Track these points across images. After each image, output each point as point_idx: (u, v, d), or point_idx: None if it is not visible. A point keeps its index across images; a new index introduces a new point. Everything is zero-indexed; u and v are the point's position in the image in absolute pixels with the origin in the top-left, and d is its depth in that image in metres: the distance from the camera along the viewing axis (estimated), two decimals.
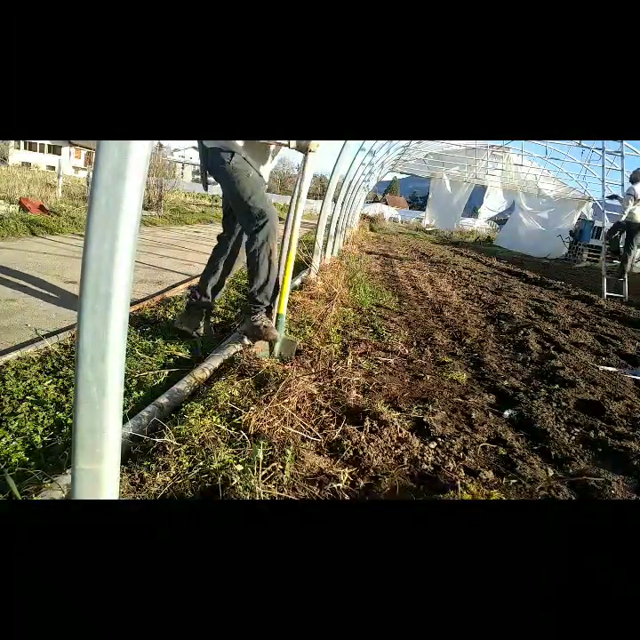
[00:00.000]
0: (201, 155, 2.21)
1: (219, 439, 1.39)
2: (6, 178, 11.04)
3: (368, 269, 6.08)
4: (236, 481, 1.18)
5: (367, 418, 1.63)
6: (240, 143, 2.11)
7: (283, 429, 1.47)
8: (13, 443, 1.33)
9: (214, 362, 2.05)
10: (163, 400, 1.63)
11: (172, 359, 2.14)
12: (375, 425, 1.60)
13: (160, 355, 2.14)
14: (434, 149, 15.04)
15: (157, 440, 1.33)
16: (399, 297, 4.45)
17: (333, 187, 4.41)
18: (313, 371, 2.00)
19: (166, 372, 1.95)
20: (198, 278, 2.56)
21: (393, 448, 1.52)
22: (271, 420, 1.50)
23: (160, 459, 1.25)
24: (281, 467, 1.29)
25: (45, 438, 1.40)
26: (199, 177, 2.38)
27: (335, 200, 5.53)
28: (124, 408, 1.47)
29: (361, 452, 1.45)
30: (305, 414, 1.64)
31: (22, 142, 34.51)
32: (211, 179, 2.28)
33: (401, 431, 1.60)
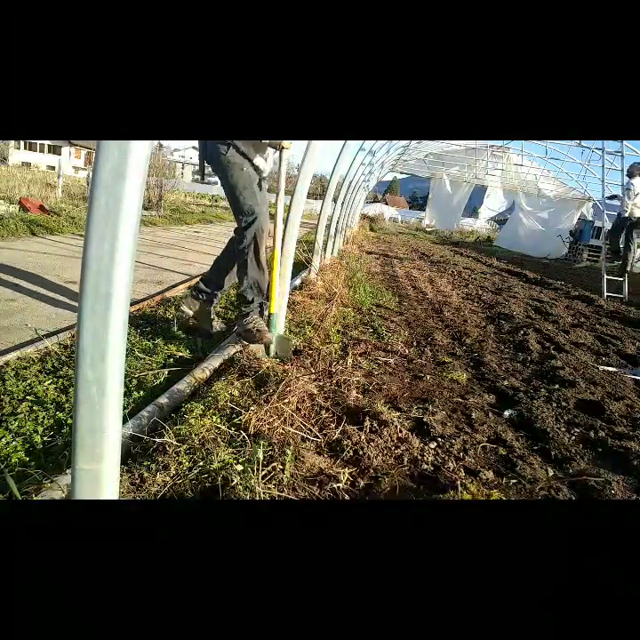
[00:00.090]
0: (200, 145, 2.22)
1: (219, 439, 1.39)
2: (6, 178, 11.04)
3: (368, 269, 6.08)
4: (236, 481, 1.18)
5: (367, 418, 1.63)
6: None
7: (283, 429, 1.47)
8: (13, 443, 1.33)
9: (214, 362, 2.05)
10: (163, 400, 1.63)
11: (171, 359, 2.14)
12: (375, 425, 1.60)
13: (160, 355, 2.14)
14: (434, 149, 15.04)
15: (157, 440, 1.33)
16: (399, 297, 4.45)
17: (333, 187, 4.41)
18: (313, 371, 2.00)
19: (166, 372, 1.95)
20: (197, 278, 2.56)
21: (393, 448, 1.52)
22: (271, 420, 1.50)
23: (160, 459, 1.25)
24: (281, 467, 1.29)
25: (45, 438, 1.40)
26: (198, 177, 2.39)
27: (335, 200, 5.53)
28: (124, 408, 1.47)
29: (361, 452, 1.45)
30: (305, 414, 1.64)
31: (22, 142, 34.51)
32: (212, 179, 2.29)
33: (401, 431, 1.60)
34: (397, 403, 1.90)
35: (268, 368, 1.91)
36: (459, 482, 1.34)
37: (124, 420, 1.28)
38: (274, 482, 1.24)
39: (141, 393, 1.76)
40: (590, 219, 15.32)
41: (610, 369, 2.75)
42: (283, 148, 2.15)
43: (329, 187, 4.37)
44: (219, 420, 1.49)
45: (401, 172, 21.04)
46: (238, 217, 2.16)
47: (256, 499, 1.14)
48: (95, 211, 0.69)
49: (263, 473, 1.24)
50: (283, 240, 2.29)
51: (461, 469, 1.44)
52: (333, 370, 2.05)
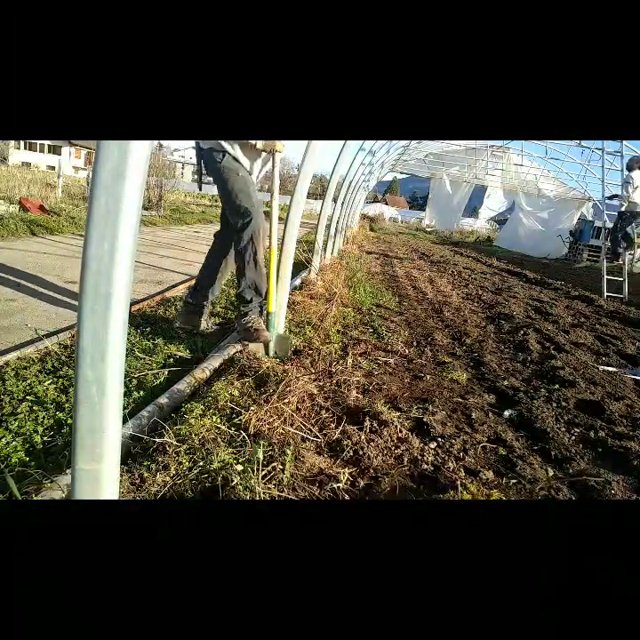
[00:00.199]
0: (197, 155, 2.29)
1: (219, 439, 1.39)
2: (6, 178, 11.04)
3: (368, 269, 6.08)
4: (236, 481, 1.18)
5: (367, 418, 1.63)
6: (231, 144, 2.17)
7: (283, 429, 1.47)
8: (13, 443, 1.33)
9: (214, 362, 2.05)
10: (163, 400, 1.63)
11: (171, 359, 2.14)
12: (375, 425, 1.60)
13: (160, 355, 2.14)
14: (434, 149, 15.03)
15: (157, 440, 1.33)
16: (399, 297, 4.45)
17: (333, 187, 4.41)
18: (313, 371, 2.00)
19: (166, 372, 1.95)
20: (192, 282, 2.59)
21: (393, 448, 1.52)
22: (271, 420, 1.50)
23: (160, 459, 1.25)
24: (281, 467, 1.29)
25: (45, 438, 1.40)
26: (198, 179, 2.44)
27: (335, 200, 5.53)
28: (124, 408, 1.47)
29: (361, 452, 1.45)
30: (305, 414, 1.64)
31: (22, 142, 34.52)
32: (208, 179, 2.33)
33: (401, 431, 1.60)
34: (397, 403, 1.89)
35: (267, 368, 1.91)
36: (459, 482, 1.34)
37: (124, 420, 1.28)
38: (274, 482, 1.24)
39: (141, 393, 1.76)
40: (590, 219, 15.31)
41: (610, 369, 2.75)
42: (275, 150, 2.20)
43: (329, 187, 4.37)
44: (219, 420, 1.49)
45: (401, 172, 21.03)
46: (235, 219, 2.21)
47: (256, 499, 1.14)
48: (95, 211, 0.69)
49: (263, 473, 1.24)
50: (282, 240, 2.29)
51: (461, 469, 1.44)
52: (333, 370, 2.05)
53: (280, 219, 2.24)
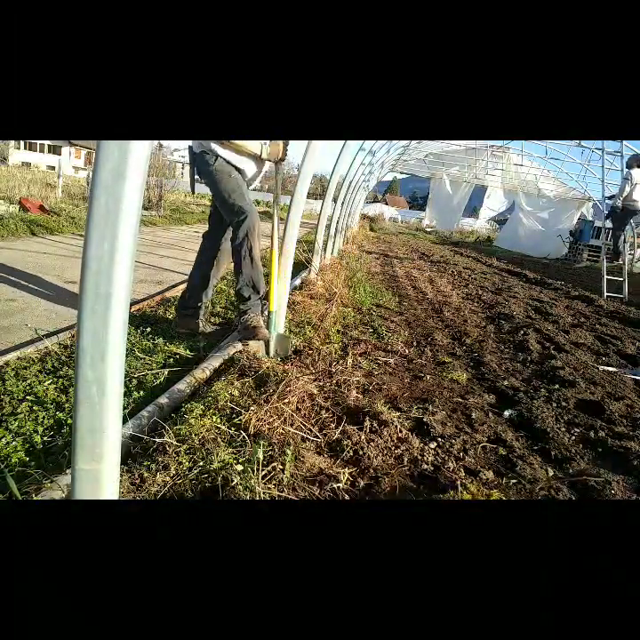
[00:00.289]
0: (190, 159, 2.32)
1: (219, 439, 1.39)
2: (6, 178, 11.04)
3: (368, 269, 6.08)
4: (236, 481, 1.18)
5: (367, 418, 1.63)
6: (222, 148, 2.21)
7: (283, 429, 1.47)
8: (13, 443, 1.33)
9: (214, 362, 2.05)
10: (163, 400, 1.63)
11: (171, 359, 2.14)
12: (375, 425, 1.60)
13: (160, 355, 2.14)
14: (434, 149, 15.03)
15: (157, 440, 1.33)
16: (399, 297, 4.45)
17: (333, 187, 4.41)
18: (313, 371, 2.00)
19: (166, 372, 1.95)
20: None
21: (393, 448, 1.52)
22: (271, 420, 1.50)
23: (160, 459, 1.25)
24: (281, 467, 1.29)
25: (45, 438, 1.40)
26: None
27: (335, 200, 5.53)
28: (124, 408, 1.47)
29: (361, 452, 1.45)
30: (305, 414, 1.64)
31: (22, 142, 34.51)
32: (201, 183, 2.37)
33: (401, 431, 1.60)
34: (397, 403, 1.89)
35: (267, 368, 1.91)
36: (459, 482, 1.34)
37: (124, 420, 1.28)
38: (274, 482, 1.24)
39: (141, 393, 1.76)
40: (590, 219, 15.30)
41: (610, 369, 2.75)
42: (281, 159, 2.28)
43: (329, 187, 4.37)
44: (219, 420, 1.49)
45: (401, 172, 21.02)
46: (230, 218, 2.25)
47: (256, 499, 1.14)
48: (95, 211, 0.69)
49: (263, 473, 1.24)
50: (282, 240, 2.29)
51: (461, 469, 1.44)
52: (333, 370, 2.05)
53: (280, 219, 2.24)
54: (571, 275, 9.89)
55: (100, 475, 0.78)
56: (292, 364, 2.01)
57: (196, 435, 1.37)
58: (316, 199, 20.67)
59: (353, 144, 5.22)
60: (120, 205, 0.69)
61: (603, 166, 7.76)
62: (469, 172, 16.77)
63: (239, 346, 2.23)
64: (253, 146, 2.24)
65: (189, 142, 2.32)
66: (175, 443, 1.32)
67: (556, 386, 2.30)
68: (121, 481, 1.10)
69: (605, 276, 6.53)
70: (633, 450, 1.66)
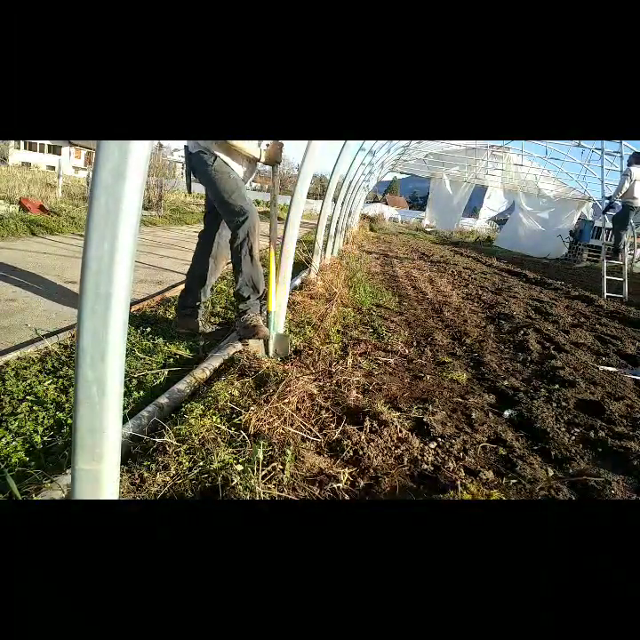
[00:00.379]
0: (185, 158, 2.32)
1: (219, 439, 1.39)
2: (6, 178, 11.04)
3: (368, 269, 6.08)
4: (236, 481, 1.18)
5: (367, 418, 1.63)
6: (221, 149, 2.20)
7: (283, 429, 1.47)
8: (13, 443, 1.33)
9: (214, 362, 2.05)
10: (163, 400, 1.63)
11: (171, 359, 2.14)
12: (375, 425, 1.60)
13: (160, 355, 2.14)
14: (434, 149, 15.03)
15: (157, 440, 1.33)
16: (399, 297, 4.45)
17: (333, 187, 4.41)
18: (313, 371, 2.00)
19: (166, 372, 1.95)
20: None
21: (393, 448, 1.52)
22: (271, 420, 1.50)
23: (160, 459, 1.25)
24: (281, 467, 1.29)
25: (45, 438, 1.40)
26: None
27: (335, 200, 5.53)
28: (124, 408, 1.47)
29: (361, 452, 1.45)
30: (305, 414, 1.64)
31: (22, 142, 34.51)
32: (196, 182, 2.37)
33: (401, 431, 1.60)
34: (397, 403, 1.90)
35: (267, 368, 1.91)
36: (459, 482, 1.34)
37: (124, 420, 1.28)
38: (274, 482, 1.24)
39: (141, 393, 1.76)
40: (590, 219, 15.30)
41: (610, 369, 2.75)
42: (276, 162, 2.29)
43: (329, 187, 4.37)
44: (219, 420, 1.49)
45: (401, 172, 21.02)
46: (230, 218, 2.25)
47: (256, 499, 1.14)
48: (95, 211, 0.69)
49: (263, 473, 1.24)
50: (282, 240, 2.30)
51: (461, 469, 1.44)
52: (333, 370, 2.05)
53: (280, 219, 2.25)
54: (571, 275, 9.89)
55: (100, 475, 0.78)
56: (291, 364, 2.01)
57: (196, 435, 1.37)
58: (316, 199, 20.67)
59: (353, 144, 5.22)
60: (120, 205, 0.69)
61: (602, 166, 7.76)
62: (469, 172, 16.77)
63: (239, 346, 2.23)
64: (252, 149, 2.24)
65: (184, 141, 2.31)
66: (175, 443, 1.32)
67: (556, 386, 2.30)
68: (121, 481, 1.10)
69: (605, 276, 6.53)
70: (633, 450, 1.66)
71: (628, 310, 5.12)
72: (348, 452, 1.45)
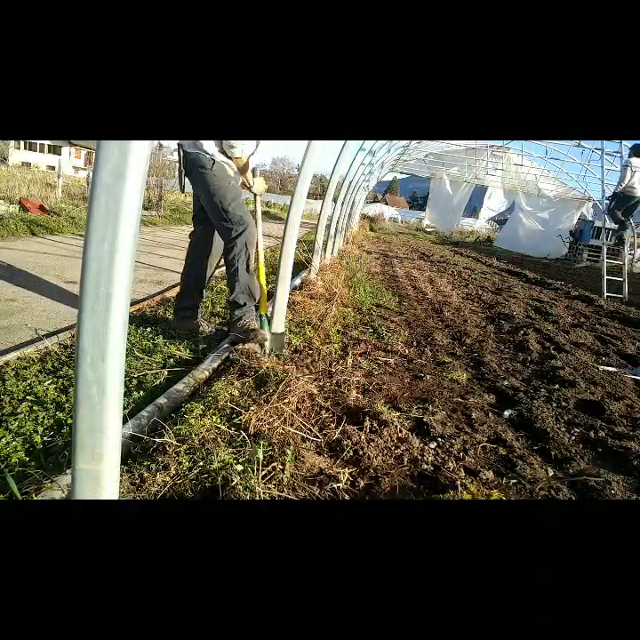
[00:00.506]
0: (181, 158, 2.29)
1: (219, 439, 1.39)
2: (6, 178, 11.04)
3: (368, 269, 6.08)
4: (236, 481, 1.18)
5: (367, 418, 1.63)
6: (221, 154, 2.20)
7: (283, 429, 1.47)
8: (13, 443, 1.33)
9: (214, 362, 2.05)
10: (162, 400, 1.63)
11: (172, 359, 2.14)
12: (375, 425, 1.60)
13: (160, 355, 2.14)
14: (434, 149, 15.03)
15: (157, 440, 1.33)
16: (399, 297, 4.45)
17: (333, 187, 4.41)
18: (313, 371, 2.00)
19: (166, 372, 1.95)
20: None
21: (393, 448, 1.52)
22: (271, 420, 1.50)
23: (160, 459, 1.25)
24: (281, 467, 1.29)
25: (45, 438, 1.40)
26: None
27: (335, 200, 5.53)
28: (124, 408, 1.47)
29: (361, 452, 1.45)
30: (305, 414, 1.64)
31: (22, 142, 34.51)
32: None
33: (401, 431, 1.60)
34: (397, 403, 1.90)
35: (267, 368, 1.91)
36: (459, 482, 1.34)
37: (124, 420, 1.28)
38: (274, 482, 1.24)
39: (141, 393, 1.76)
40: (590, 219, 15.29)
41: (610, 369, 2.75)
42: (259, 195, 2.40)
43: (329, 187, 4.37)
44: (219, 420, 1.49)
45: (401, 172, 21.02)
46: (227, 227, 2.22)
47: (256, 499, 1.14)
48: (95, 211, 0.69)
49: (263, 473, 1.24)
50: (283, 240, 2.30)
51: (461, 469, 1.44)
52: (333, 370, 2.05)
53: (280, 219, 2.26)
54: (571, 275, 9.89)
55: (100, 475, 0.78)
56: (291, 364, 2.01)
57: (195, 435, 1.37)
58: (316, 199, 20.65)
59: (353, 144, 5.22)
60: (120, 205, 0.69)
61: (602, 166, 7.76)
62: (469, 172, 16.77)
63: (238, 346, 2.23)
64: (249, 176, 2.26)
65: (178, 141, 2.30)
66: (175, 443, 1.32)
67: (556, 386, 2.30)
68: (121, 481, 1.10)
69: (605, 276, 6.53)
70: (633, 450, 1.66)
71: (628, 310, 5.12)
72: (348, 451, 1.45)
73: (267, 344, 2.23)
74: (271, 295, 2.36)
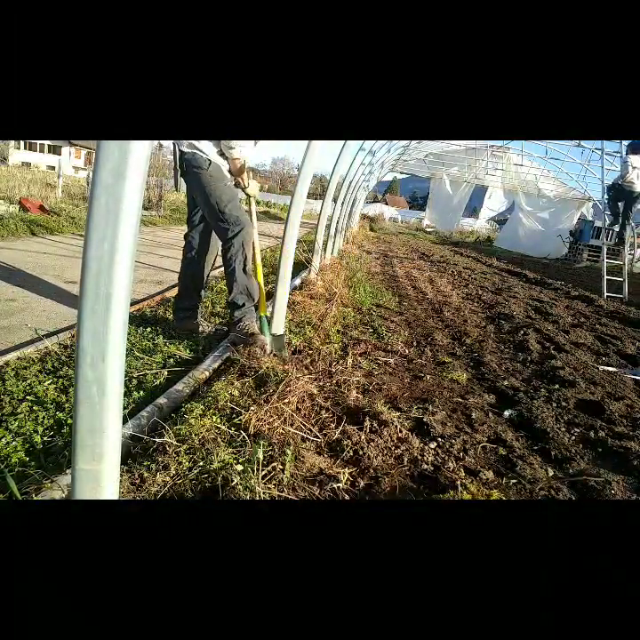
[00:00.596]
0: (176, 157, 2.30)
1: (219, 439, 1.39)
2: (6, 178, 11.04)
3: (368, 269, 6.08)
4: (236, 481, 1.18)
5: (367, 418, 1.63)
6: (217, 155, 2.20)
7: (283, 429, 1.47)
8: (13, 443, 1.33)
9: (214, 362, 2.05)
10: (162, 400, 1.63)
11: (172, 359, 2.14)
12: (375, 425, 1.60)
13: (160, 355, 2.14)
14: (434, 149, 15.03)
15: (157, 440, 1.33)
16: (399, 297, 4.45)
17: (333, 187, 4.41)
18: (313, 371, 2.00)
19: (166, 372, 1.95)
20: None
21: (393, 448, 1.52)
22: (271, 420, 1.50)
23: (160, 459, 1.25)
24: (281, 467, 1.29)
25: (45, 438, 1.40)
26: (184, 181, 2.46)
27: (335, 200, 5.53)
28: (124, 408, 1.47)
29: (361, 452, 1.45)
30: (305, 414, 1.64)
31: (22, 142, 34.51)
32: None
33: (401, 431, 1.60)
34: (397, 403, 1.90)
35: (267, 368, 1.91)
36: (459, 482, 1.34)
37: (124, 420, 1.28)
38: (274, 482, 1.24)
39: (141, 393, 1.76)
40: (590, 219, 15.29)
41: (610, 369, 2.75)
42: (254, 196, 2.38)
43: (329, 187, 4.37)
44: (219, 420, 1.49)
45: (401, 172, 21.02)
46: (224, 226, 2.22)
47: (256, 499, 1.14)
48: (95, 211, 0.69)
49: (263, 473, 1.24)
50: (283, 240, 2.30)
51: (461, 469, 1.44)
52: (333, 370, 2.05)
53: (280, 218, 2.27)
54: (571, 275, 9.89)
55: (100, 475, 0.78)
56: (291, 364, 2.01)
57: (195, 435, 1.37)
58: (316, 199, 20.64)
59: (353, 144, 5.22)
60: (120, 205, 0.69)
61: (602, 166, 7.76)
62: (469, 172, 16.77)
63: (239, 348, 2.23)
64: (245, 177, 2.27)
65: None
66: (175, 443, 1.32)
67: (556, 386, 2.30)
68: (121, 481, 1.10)
69: (605, 276, 6.53)
70: (633, 450, 1.66)
71: (628, 310, 5.12)
72: (348, 452, 1.45)
73: (267, 346, 2.23)
74: (271, 295, 2.36)
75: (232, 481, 1.19)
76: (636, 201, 6.88)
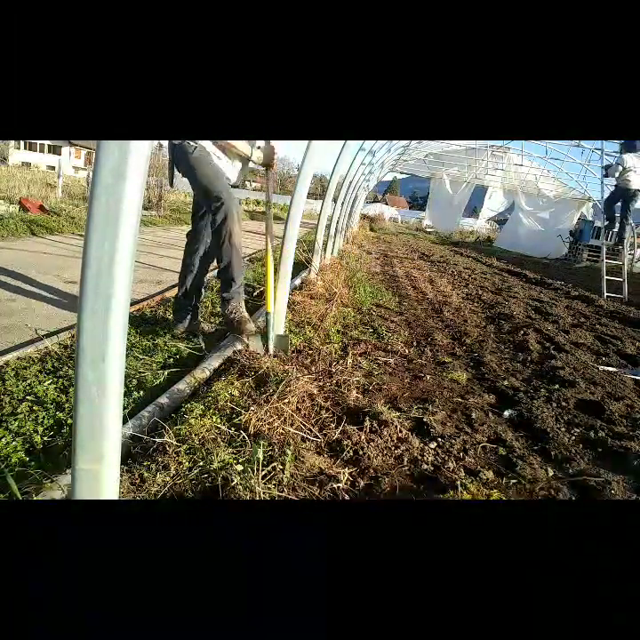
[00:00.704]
0: (170, 152, 2.31)
1: (219, 439, 1.39)
2: (6, 178, 11.05)
3: (368, 269, 6.08)
4: (236, 481, 1.18)
5: (367, 418, 1.63)
6: (207, 142, 2.20)
7: (283, 429, 1.47)
8: (13, 443, 1.33)
9: (214, 362, 2.05)
10: (163, 400, 1.63)
11: (171, 359, 2.14)
12: (375, 425, 1.60)
13: (160, 355, 2.14)
14: (434, 149, 15.03)
15: (157, 440, 1.33)
16: (399, 297, 4.45)
17: (333, 187, 4.41)
18: (313, 371, 2.00)
19: (166, 373, 1.95)
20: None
21: (393, 448, 1.52)
22: (271, 420, 1.50)
23: (160, 459, 1.25)
24: (281, 467, 1.29)
25: (45, 438, 1.40)
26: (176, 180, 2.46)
27: (335, 200, 5.53)
28: (124, 408, 1.47)
29: (361, 452, 1.45)
30: (305, 414, 1.64)
31: (22, 142, 34.50)
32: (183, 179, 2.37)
33: (401, 431, 1.60)
34: (397, 403, 1.90)
35: (268, 368, 1.91)
36: (459, 482, 1.34)
37: (124, 420, 1.28)
38: (274, 482, 1.24)
39: (141, 393, 1.76)
40: (590, 219, 15.30)
41: (610, 369, 2.75)
42: (270, 166, 2.33)
43: (329, 187, 4.37)
44: (219, 420, 1.49)
45: (401, 172, 21.02)
46: (208, 204, 2.25)
47: (256, 499, 1.14)
48: (95, 211, 0.69)
49: (263, 473, 1.24)
50: (282, 240, 2.30)
51: (461, 469, 1.44)
52: (333, 370, 2.05)
53: (280, 218, 2.26)
54: (571, 275, 9.89)
55: (100, 475, 0.78)
56: (292, 364, 2.01)
57: (196, 435, 1.37)
58: (316, 199, 20.63)
59: (353, 144, 5.23)
60: (120, 205, 0.69)
61: (602, 166, 7.76)
62: (469, 172, 16.76)
63: (239, 345, 2.23)
64: (242, 145, 2.25)
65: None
66: (175, 443, 1.32)
67: (556, 386, 2.30)
68: (121, 481, 1.10)
69: (605, 276, 6.53)
70: (633, 450, 1.66)
71: (628, 310, 5.12)
72: (348, 452, 1.45)
73: (270, 343, 2.22)
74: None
75: (232, 481, 1.19)
76: (634, 199, 6.88)
